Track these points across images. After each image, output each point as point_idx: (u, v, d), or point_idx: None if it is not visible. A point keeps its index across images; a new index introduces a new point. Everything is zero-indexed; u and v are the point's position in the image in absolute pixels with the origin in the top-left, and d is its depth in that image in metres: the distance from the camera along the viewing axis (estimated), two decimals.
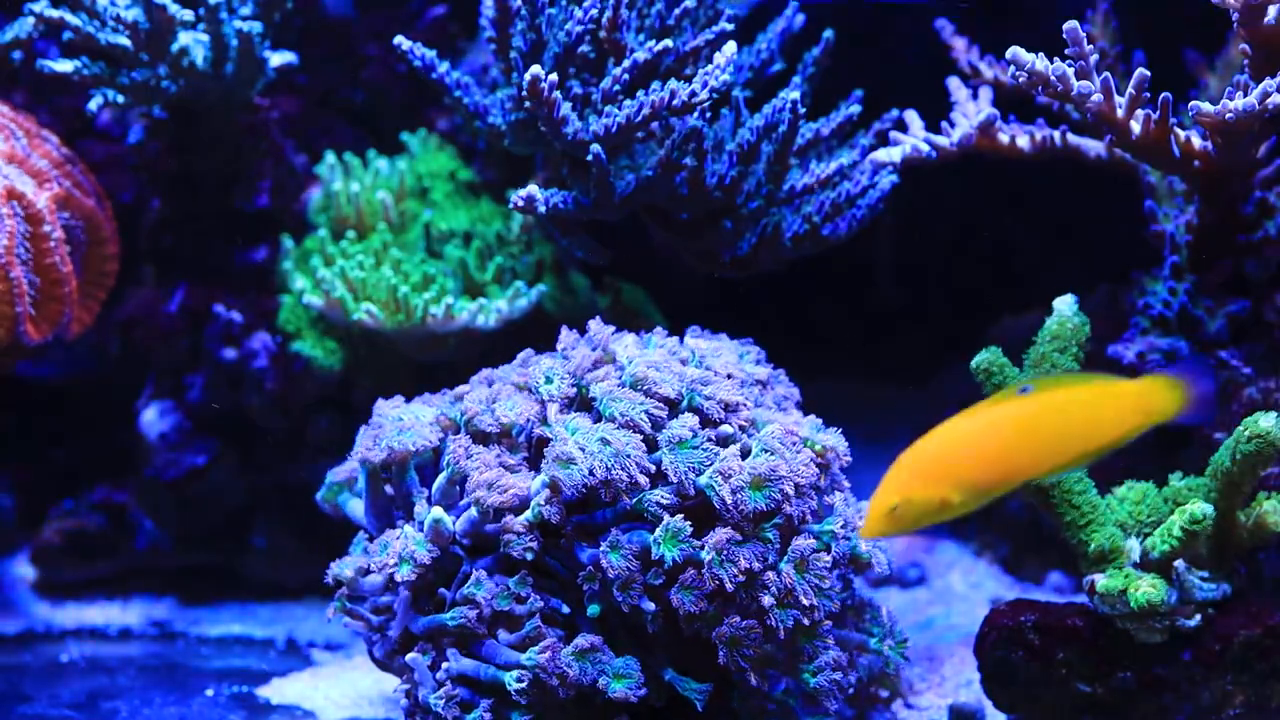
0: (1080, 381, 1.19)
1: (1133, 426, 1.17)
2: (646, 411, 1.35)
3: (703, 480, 1.32)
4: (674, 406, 1.37)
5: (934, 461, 1.14)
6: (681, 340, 1.50)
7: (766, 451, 1.33)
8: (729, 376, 1.40)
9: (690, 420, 1.34)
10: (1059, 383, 1.20)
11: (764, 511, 1.32)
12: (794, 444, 1.36)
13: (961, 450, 1.15)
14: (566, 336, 1.46)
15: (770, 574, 1.32)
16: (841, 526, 1.38)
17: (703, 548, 1.30)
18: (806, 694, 1.39)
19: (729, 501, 1.30)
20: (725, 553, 1.30)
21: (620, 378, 1.38)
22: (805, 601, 1.32)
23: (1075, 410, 1.17)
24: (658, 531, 1.31)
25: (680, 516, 1.31)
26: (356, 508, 1.50)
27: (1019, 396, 1.17)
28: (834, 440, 1.43)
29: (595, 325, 1.46)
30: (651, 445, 1.34)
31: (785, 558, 1.33)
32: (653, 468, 1.33)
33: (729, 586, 1.30)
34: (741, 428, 1.37)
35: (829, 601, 1.34)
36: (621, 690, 1.32)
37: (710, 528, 1.32)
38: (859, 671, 1.44)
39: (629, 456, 1.32)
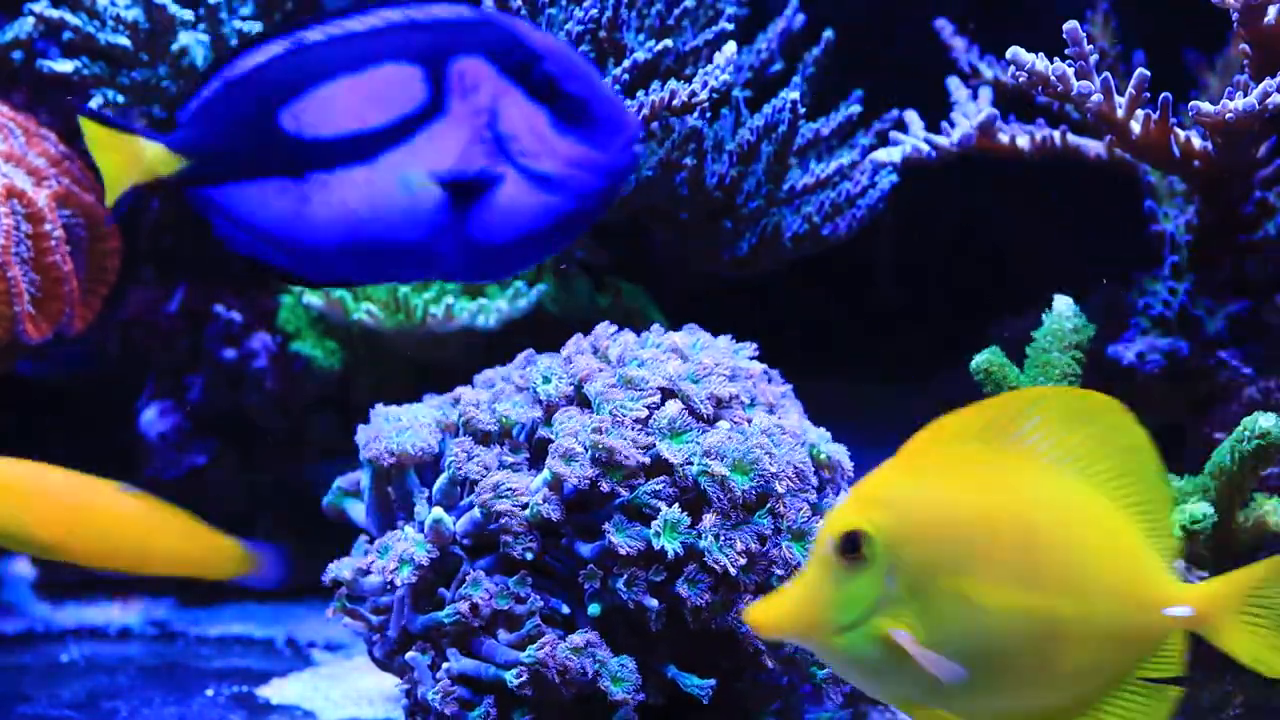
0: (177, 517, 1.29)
1: (186, 569, 1.28)
2: (641, 406, 1.35)
3: (694, 469, 1.32)
4: (668, 400, 1.37)
5: None
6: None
7: (754, 435, 1.34)
8: (720, 369, 1.40)
9: (678, 407, 1.34)
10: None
11: (753, 500, 1.32)
12: (784, 433, 1.36)
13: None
14: (573, 342, 1.46)
15: (774, 550, 1.32)
16: None
17: (700, 536, 1.30)
18: (813, 684, 1.39)
19: (717, 484, 1.30)
20: (722, 538, 1.30)
21: (614, 376, 1.38)
22: None
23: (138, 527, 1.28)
24: (655, 524, 1.31)
25: (677, 507, 1.31)
26: (358, 511, 1.50)
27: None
28: (839, 453, 1.43)
29: (600, 328, 1.46)
30: (646, 440, 1.34)
31: (782, 535, 1.32)
32: (647, 460, 1.33)
33: (733, 571, 1.30)
34: (735, 423, 1.37)
35: None
36: (620, 693, 1.32)
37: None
38: None
39: (624, 449, 1.32)
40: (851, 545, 0.95)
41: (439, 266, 1.19)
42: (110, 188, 1.22)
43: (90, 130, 1.22)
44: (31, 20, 1.87)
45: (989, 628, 0.95)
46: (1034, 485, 0.98)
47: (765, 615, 0.97)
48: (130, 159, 1.20)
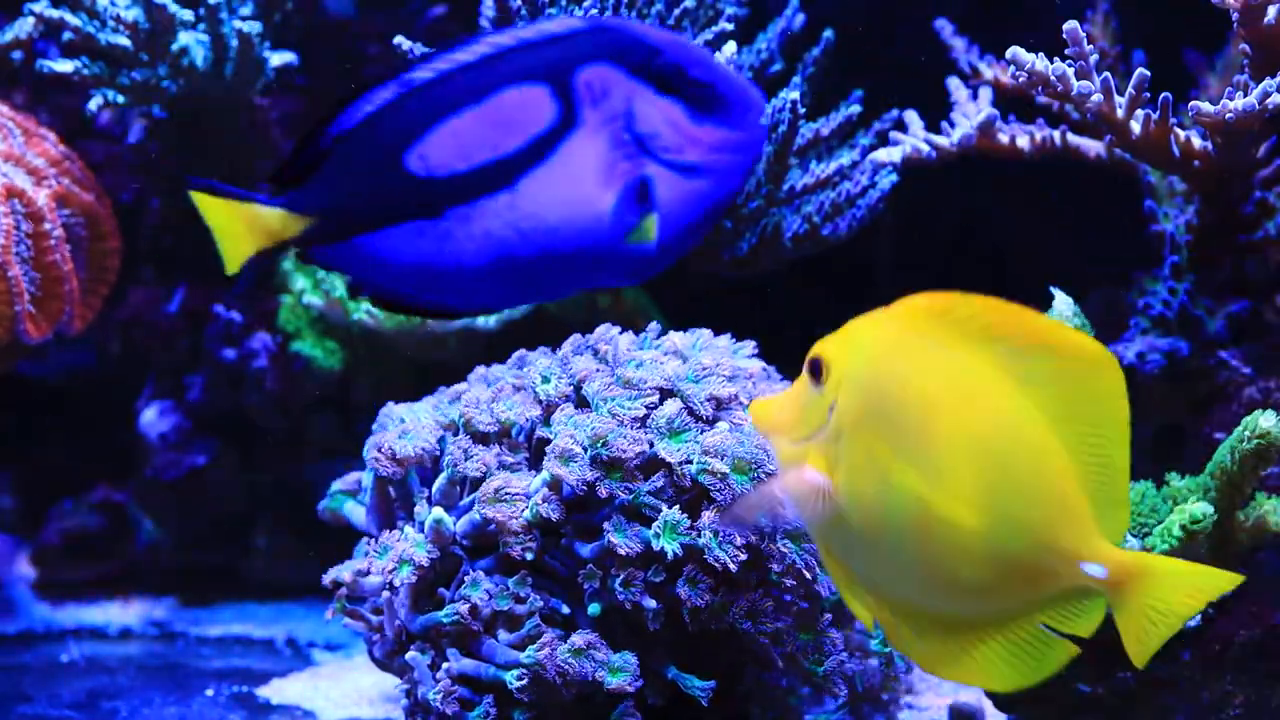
0: None
1: None
2: (640, 405, 1.35)
3: (693, 469, 1.32)
4: (667, 400, 1.37)
5: None
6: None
7: (753, 435, 1.34)
8: (720, 370, 1.40)
9: (676, 407, 1.34)
10: None
11: None
12: None
13: None
14: (570, 343, 1.46)
15: (771, 547, 1.32)
16: None
17: (700, 534, 1.30)
18: (813, 684, 1.39)
19: (718, 482, 1.30)
20: (721, 534, 1.30)
21: (613, 376, 1.38)
22: (807, 574, 1.32)
23: None
24: (656, 524, 1.31)
25: (677, 508, 1.31)
26: (357, 513, 1.50)
27: None
28: None
29: (600, 330, 1.46)
30: (645, 440, 1.34)
31: (779, 534, 1.32)
32: (646, 460, 1.33)
33: (733, 568, 1.30)
34: (735, 424, 1.37)
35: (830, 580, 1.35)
36: (618, 683, 1.32)
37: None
38: (859, 665, 1.44)
39: (624, 450, 1.32)
40: (814, 369, 1.02)
41: (596, 278, 1.18)
42: (231, 258, 1.17)
43: (203, 202, 1.17)
44: (31, 20, 1.87)
45: (887, 503, 0.97)
46: (992, 396, 0.97)
47: (757, 407, 1.06)
48: (248, 226, 1.16)
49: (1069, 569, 0.96)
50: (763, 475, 1.31)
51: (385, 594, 1.42)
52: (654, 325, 1.49)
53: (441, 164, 1.14)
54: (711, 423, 1.36)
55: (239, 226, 1.16)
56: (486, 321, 1.82)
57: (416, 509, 1.42)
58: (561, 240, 1.13)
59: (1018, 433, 0.96)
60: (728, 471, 1.31)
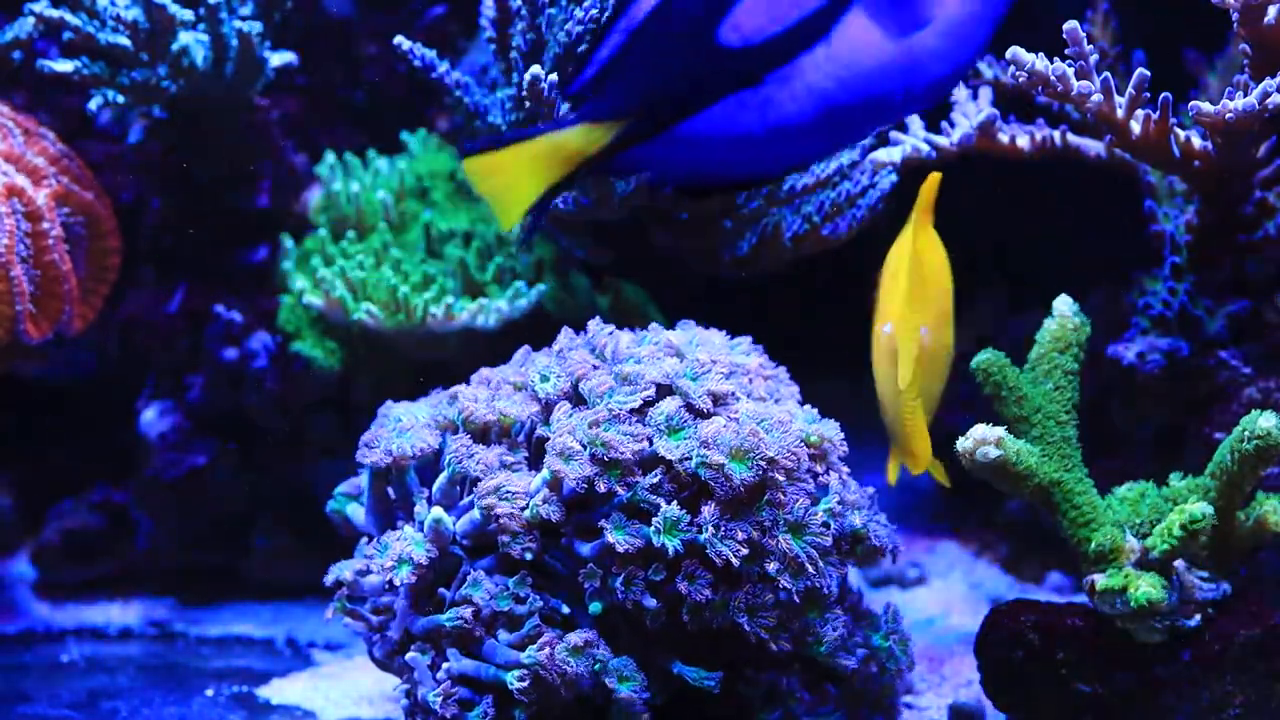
0: None
1: None
2: (637, 399, 1.35)
3: (693, 463, 1.32)
4: (665, 396, 1.37)
5: None
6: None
7: (747, 424, 1.34)
8: (718, 367, 1.40)
9: (676, 403, 1.34)
10: None
11: (753, 485, 1.32)
12: (779, 424, 1.36)
13: None
14: (564, 336, 1.46)
15: (771, 542, 1.32)
16: (838, 504, 1.38)
17: (700, 530, 1.30)
18: (817, 668, 1.39)
19: (716, 473, 1.30)
20: (722, 529, 1.30)
21: (611, 373, 1.38)
22: (809, 568, 1.32)
23: None
24: (656, 520, 1.30)
25: (676, 504, 1.31)
26: (359, 515, 1.50)
27: None
28: (829, 430, 1.43)
29: (594, 325, 1.46)
30: (644, 434, 1.34)
31: (780, 526, 1.32)
32: (645, 456, 1.33)
33: (735, 562, 1.30)
34: (732, 418, 1.37)
35: (833, 570, 1.34)
36: (626, 692, 1.32)
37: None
38: (860, 658, 1.44)
39: (621, 446, 1.32)
40: None
41: (909, 109, 1.17)
42: (512, 208, 1.13)
43: (479, 166, 1.12)
44: (31, 20, 1.87)
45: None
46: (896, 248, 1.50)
47: None
48: (543, 162, 1.12)
49: (885, 335, 1.48)
50: (761, 461, 1.31)
51: (386, 594, 1.42)
52: (654, 325, 1.49)
53: (756, 30, 1.11)
54: (709, 417, 1.37)
55: (524, 170, 1.13)
56: (486, 321, 1.82)
57: (416, 509, 1.42)
58: (878, 79, 1.12)
59: (894, 266, 1.48)
60: (724, 462, 1.31)
